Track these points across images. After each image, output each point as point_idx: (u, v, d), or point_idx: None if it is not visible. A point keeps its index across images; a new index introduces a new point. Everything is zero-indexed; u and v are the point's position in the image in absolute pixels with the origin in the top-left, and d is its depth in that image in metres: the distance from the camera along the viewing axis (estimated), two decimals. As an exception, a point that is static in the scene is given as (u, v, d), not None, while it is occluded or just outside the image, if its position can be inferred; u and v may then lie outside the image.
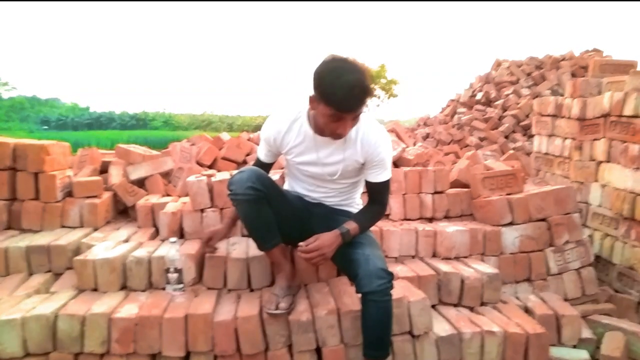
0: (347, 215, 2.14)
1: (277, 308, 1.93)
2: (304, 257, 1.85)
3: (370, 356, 1.86)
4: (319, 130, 1.89)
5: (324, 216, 2.11)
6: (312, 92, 1.76)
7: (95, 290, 2.17)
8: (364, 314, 1.84)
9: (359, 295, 1.82)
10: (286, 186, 2.28)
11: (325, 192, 2.11)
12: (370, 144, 1.91)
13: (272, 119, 2.04)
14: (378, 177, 1.98)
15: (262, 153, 2.14)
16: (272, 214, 1.96)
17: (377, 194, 2.02)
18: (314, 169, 2.02)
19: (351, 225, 1.92)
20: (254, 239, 2.06)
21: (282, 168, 2.66)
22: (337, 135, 1.79)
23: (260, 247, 2.05)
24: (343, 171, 1.98)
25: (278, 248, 2.04)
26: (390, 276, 1.80)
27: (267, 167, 2.18)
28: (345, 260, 1.94)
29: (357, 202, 2.22)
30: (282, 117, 2.00)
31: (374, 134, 1.93)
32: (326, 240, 1.86)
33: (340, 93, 1.64)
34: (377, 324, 1.82)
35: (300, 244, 1.86)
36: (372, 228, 2.43)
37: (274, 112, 2.09)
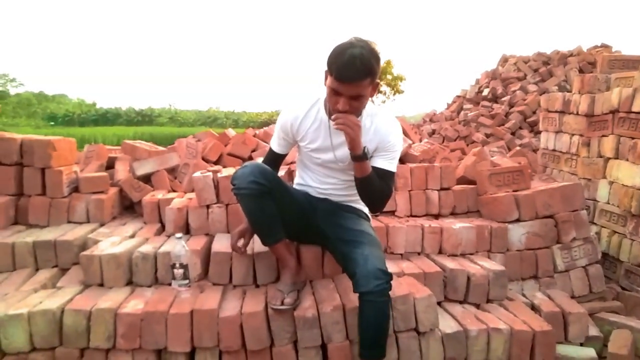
0: (353, 211, 2.14)
1: (282, 304, 1.93)
2: (339, 114, 1.78)
3: (366, 356, 1.84)
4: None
5: (330, 211, 2.11)
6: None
7: (101, 285, 2.18)
8: (360, 314, 1.82)
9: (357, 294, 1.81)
10: (296, 179, 2.29)
11: (335, 183, 2.11)
12: (382, 131, 1.95)
13: (291, 106, 2.08)
14: (384, 163, 1.94)
15: (275, 143, 2.14)
16: (276, 209, 1.97)
17: (382, 179, 1.95)
18: (326, 155, 2.02)
19: (368, 158, 1.87)
20: (257, 234, 2.07)
21: (290, 163, 2.65)
22: (337, 111, 1.78)
23: (264, 242, 2.06)
24: None
25: (282, 243, 2.05)
26: (389, 277, 1.78)
27: (279, 158, 2.18)
28: (344, 259, 1.94)
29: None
30: (301, 104, 2.04)
31: (388, 123, 1.98)
32: (358, 126, 1.79)
33: (341, 61, 1.69)
34: (373, 325, 1.80)
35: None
36: (378, 224, 2.43)
37: (290, 102, 2.13)
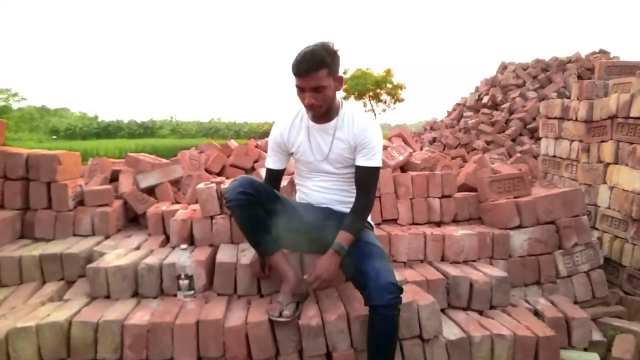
0: None
1: (280, 315, 1.93)
2: (313, 288, 2.00)
3: None
4: (313, 119, 2.10)
5: (333, 224, 2.11)
6: None
7: (107, 297, 2.19)
8: (371, 326, 1.84)
9: (367, 307, 1.83)
10: (298, 194, 2.32)
11: (328, 184, 2.16)
12: (359, 127, 2.02)
13: (277, 122, 2.22)
14: (366, 161, 2.01)
15: (270, 161, 2.22)
16: (269, 219, 2.01)
17: (363, 184, 2.04)
18: (309, 155, 2.13)
19: (343, 237, 1.96)
20: (252, 246, 2.11)
21: (291, 174, 2.68)
22: (306, 106, 1.95)
23: (259, 254, 2.10)
24: (332, 151, 2.07)
25: (279, 254, 2.06)
26: (400, 291, 1.82)
27: (278, 174, 2.24)
28: (354, 272, 1.95)
29: None
30: (285, 116, 2.18)
31: (362, 119, 2.05)
32: (324, 266, 1.94)
33: (296, 59, 1.88)
34: (383, 337, 1.83)
35: (305, 277, 2.00)
36: (380, 233, 2.45)
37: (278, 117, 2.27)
